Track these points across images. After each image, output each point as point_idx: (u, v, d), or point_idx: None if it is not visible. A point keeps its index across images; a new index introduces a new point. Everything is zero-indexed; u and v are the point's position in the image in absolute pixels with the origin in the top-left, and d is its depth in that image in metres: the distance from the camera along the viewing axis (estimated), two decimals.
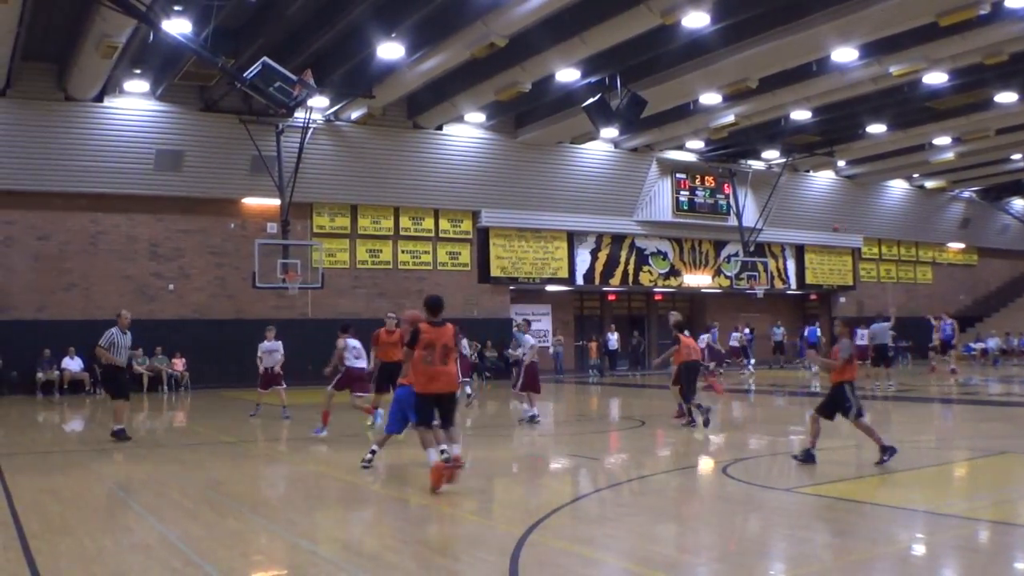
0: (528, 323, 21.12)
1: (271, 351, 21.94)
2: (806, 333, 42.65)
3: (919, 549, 8.57)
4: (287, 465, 14.66)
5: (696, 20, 23.85)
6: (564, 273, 40.41)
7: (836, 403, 13.02)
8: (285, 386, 21.86)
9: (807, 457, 13.01)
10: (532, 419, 19.70)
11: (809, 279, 47.90)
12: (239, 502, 11.19)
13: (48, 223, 31.11)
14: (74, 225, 31.48)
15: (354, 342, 18.24)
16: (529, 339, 20.46)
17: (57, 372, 30.10)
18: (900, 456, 12.51)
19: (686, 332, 19.43)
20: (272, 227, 33.48)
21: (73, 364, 30.21)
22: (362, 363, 18.23)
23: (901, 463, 12.68)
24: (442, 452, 11.20)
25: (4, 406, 26.42)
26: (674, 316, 19.32)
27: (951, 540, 8.74)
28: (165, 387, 31.19)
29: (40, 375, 29.71)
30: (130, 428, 18.22)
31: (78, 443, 18.64)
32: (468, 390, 25.30)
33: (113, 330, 17.36)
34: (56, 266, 31.15)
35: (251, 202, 33.95)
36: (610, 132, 34.85)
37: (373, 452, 13.26)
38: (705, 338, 32.87)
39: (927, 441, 16.32)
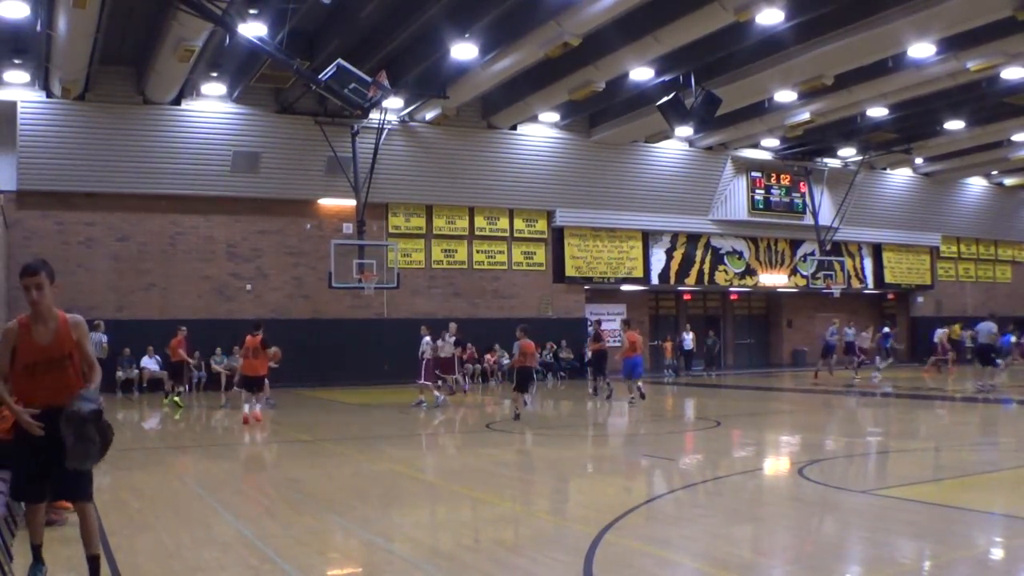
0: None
1: None
2: (1002, 339, 38.36)
3: (997, 553, 8.43)
4: (363, 464, 14.73)
5: (770, 17, 23.66)
6: (639, 273, 40.25)
7: (524, 380, 21.20)
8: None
9: (516, 416, 20.31)
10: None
11: (887, 278, 47.25)
12: (315, 500, 11.29)
13: (127, 224, 31.55)
14: (153, 226, 31.91)
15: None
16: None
17: (136, 371, 30.50)
18: (980, 459, 12.33)
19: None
20: (348, 227, 33.69)
21: (151, 363, 30.56)
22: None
23: (981, 466, 12.49)
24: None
25: None
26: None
27: None
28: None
29: (120, 374, 30.09)
30: (204, 425, 18.61)
31: (157, 440, 18.92)
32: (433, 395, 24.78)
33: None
34: (135, 267, 31.59)
35: (327, 203, 34.20)
36: (684, 131, 34.77)
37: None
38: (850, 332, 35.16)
39: (1006, 443, 16.04)
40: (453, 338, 26.10)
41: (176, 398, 25.75)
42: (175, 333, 25.79)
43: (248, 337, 21.12)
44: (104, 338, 26.63)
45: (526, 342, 21.41)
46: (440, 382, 25.12)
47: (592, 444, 17.86)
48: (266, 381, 21.96)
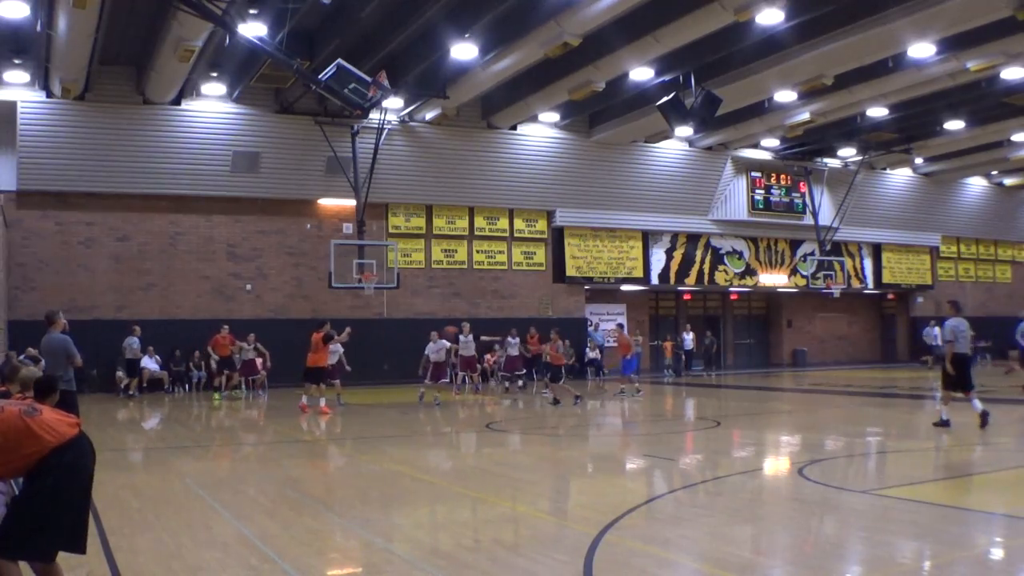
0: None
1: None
2: None
3: (997, 553, 8.43)
4: (363, 463, 14.74)
5: (770, 17, 23.61)
6: (639, 273, 40.22)
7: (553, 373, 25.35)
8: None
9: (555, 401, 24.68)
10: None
11: (887, 278, 47.20)
12: (315, 500, 11.29)
13: (128, 224, 31.52)
14: (153, 226, 31.87)
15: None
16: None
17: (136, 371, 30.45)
18: (980, 458, 12.34)
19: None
20: (348, 227, 33.66)
21: (151, 363, 30.45)
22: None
23: (981, 466, 12.47)
24: None
25: (85, 404, 26.71)
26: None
27: None
28: (243, 386, 31.36)
29: (120, 374, 30.03)
30: (205, 425, 18.64)
31: (157, 441, 18.92)
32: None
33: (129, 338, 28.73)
34: (135, 267, 31.55)
35: (327, 203, 34.18)
36: (684, 131, 34.66)
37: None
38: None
39: (1005, 443, 16.02)
40: (470, 336, 28.57)
41: (218, 394, 28.54)
42: (219, 330, 29.30)
43: (313, 334, 23.94)
44: (137, 342, 29.28)
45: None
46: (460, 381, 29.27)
47: (592, 444, 17.86)
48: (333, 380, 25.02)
